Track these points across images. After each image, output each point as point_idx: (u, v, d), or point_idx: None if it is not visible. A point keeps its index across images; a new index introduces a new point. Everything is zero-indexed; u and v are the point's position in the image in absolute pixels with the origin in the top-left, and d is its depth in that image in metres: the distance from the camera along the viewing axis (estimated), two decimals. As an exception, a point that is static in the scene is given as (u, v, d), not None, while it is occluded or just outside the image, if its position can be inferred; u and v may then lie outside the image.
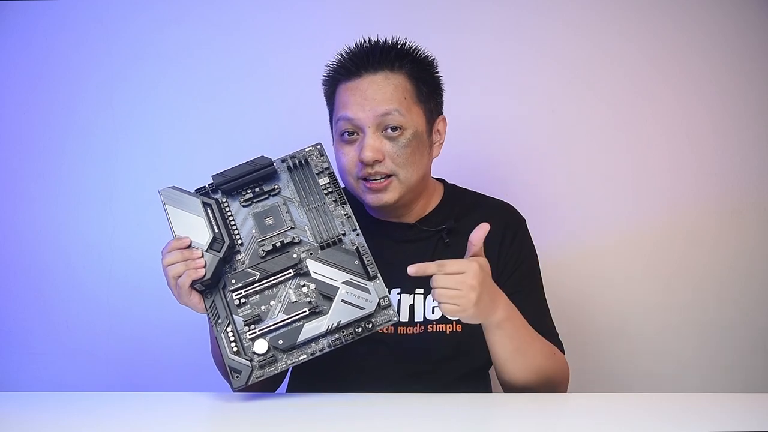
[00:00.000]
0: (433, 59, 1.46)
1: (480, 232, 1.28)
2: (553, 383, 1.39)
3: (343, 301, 1.25)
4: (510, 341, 1.32)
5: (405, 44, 1.44)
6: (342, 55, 1.44)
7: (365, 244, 1.29)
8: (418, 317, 1.42)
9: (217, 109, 1.93)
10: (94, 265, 1.94)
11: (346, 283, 1.26)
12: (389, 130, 1.39)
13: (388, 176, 1.39)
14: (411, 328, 1.42)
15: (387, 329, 1.41)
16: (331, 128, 1.47)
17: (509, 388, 1.37)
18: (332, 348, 1.25)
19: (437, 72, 1.47)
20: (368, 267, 1.27)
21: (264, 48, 1.92)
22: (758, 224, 1.84)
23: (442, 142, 1.48)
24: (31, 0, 1.95)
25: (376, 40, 1.43)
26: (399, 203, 1.42)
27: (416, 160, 1.41)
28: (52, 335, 1.95)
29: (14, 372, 1.95)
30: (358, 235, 1.30)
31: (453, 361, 1.42)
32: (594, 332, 1.86)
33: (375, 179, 1.39)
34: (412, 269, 1.23)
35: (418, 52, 1.44)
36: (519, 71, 1.88)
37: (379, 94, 1.39)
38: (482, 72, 1.88)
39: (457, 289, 1.23)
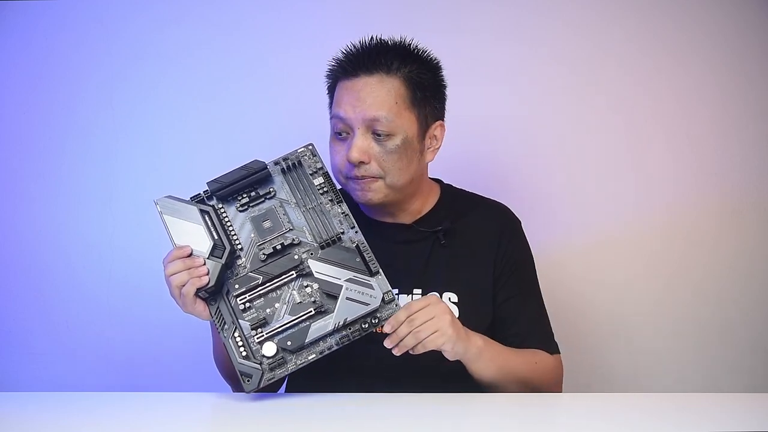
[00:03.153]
0: (437, 62, 1.46)
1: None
2: (541, 389, 1.42)
3: (347, 298, 1.26)
4: (492, 363, 1.35)
5: (409, 45, 1.43)
6: (343, 52, 1.44)
7: (365, 241, 1.30)
8: (416, 316, 1.43)
9: (217, 109, 1.93)
10: (94, 265, 1.94)
11: (349, 280, 1.27)
12: (377, 134, 1.39)
13: (373, 177, 1.39)
14: (409, 327, 1.42)
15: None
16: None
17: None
18: (340, 345, 1.26)
19: (440, 76, 1.46)
20: (369, 263, 1.28)
21: (264, 48, 1.92)
22: (758, 224, 1.84)
23: (438, 148, 1.47)
24: (31, 0, 1.95)
25: (378, 39, 1.43)
26: (386, 203, 1.43)
27: (403, 165, 1.40)
28: (52, 335, 1.95)
29: (14, 372, 1.95)
30: (356, 232, 1.31)
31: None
32: (594, 332, 1.86)
33: (361, 178, 1.39)
34: (387, 328, 1.26)
35: (421, 54, 1.44)
36: (519, 71, 1.88)
37: (370, 98, 1.38)
38: (482, 72, 1.88)
39: (430, 318, 1.27)
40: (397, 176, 1.40)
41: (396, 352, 1.28)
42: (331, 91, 1.46)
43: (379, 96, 1.38)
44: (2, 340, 1.95)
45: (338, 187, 1.41)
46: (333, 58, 1.46)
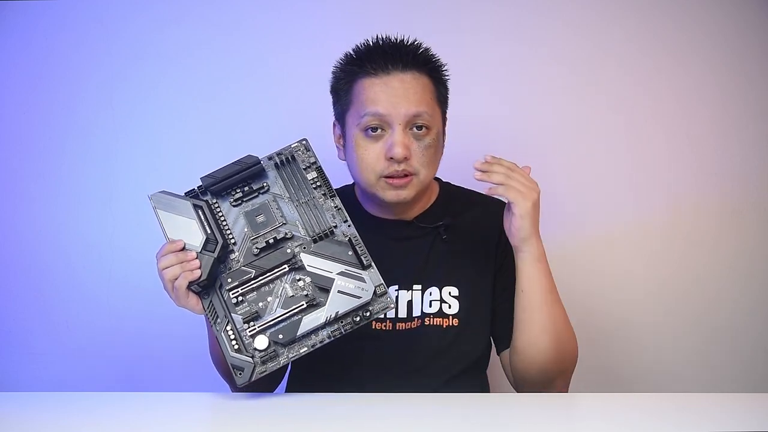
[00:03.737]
0: (445, 64, 1.48)
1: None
2: (568, 358, 1.40)
3: (339, 291, 1.26)
4: (546, 279, 1.37)
5: (424, 46, 1.45)
6: (364, 49, 1.44)
7: (357, 235, 1.30)
8: (416, 312, 1.44)
9: (217, 109, 1.93)
10: (94, 265, 1.94)
11: (341, 274, 1.27)
12: (416, 129, 1.40)
13: (409, 174, 1.40)
14: (409, 323, 1.43)
15: (385, 325, 1.43)
16: (340, 122, 1.47)
17: (526, 359, 1.38)
18: (332, 338, 1.26)
19: (448, 77, 1.48)
20: (362, 257, 1.28)
21: (264, 48, 1.92)
22: (758, 224, 1.84)
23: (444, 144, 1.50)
24: (31, 0, 1.95)
25: (398, 39, 1.44)
26: (413, 200, 1.44)
27: (435, 160, 1.44)
28: (52, 335, 1.95)
29: (14, 372, 1.95)
30: (349, 226, 1.31)
31: (450, 354, 1.43)
32: (594, 332, 1.86)
33: (397, 177, 1.40)
34: (489, 156, 1.35)
35: (435, 56, 1.46)
36: (519, 71, 1.88)
37: (411, 93, 1.40)
38: (482, 71, 1.88)
39: (527, 183, 1.33)
40: (429, 172, 1.43)
41: (477, 175, 1.34)
42: (347, 91, 1.44)
43: (418, 92, 1.41)
44: (2, 340, 1.95)
45: (336, 185, 1.41)
46: (345, 57, 1.46)
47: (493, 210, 1.53)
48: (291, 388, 1.52)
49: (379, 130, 1.40)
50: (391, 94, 1.40)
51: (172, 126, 1.94)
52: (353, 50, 1.45)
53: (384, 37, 1.44)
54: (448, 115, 1.51)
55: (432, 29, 1.80)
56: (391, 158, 1.38)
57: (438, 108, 1.45)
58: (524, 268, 1.37)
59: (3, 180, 1.96)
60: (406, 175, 1.40)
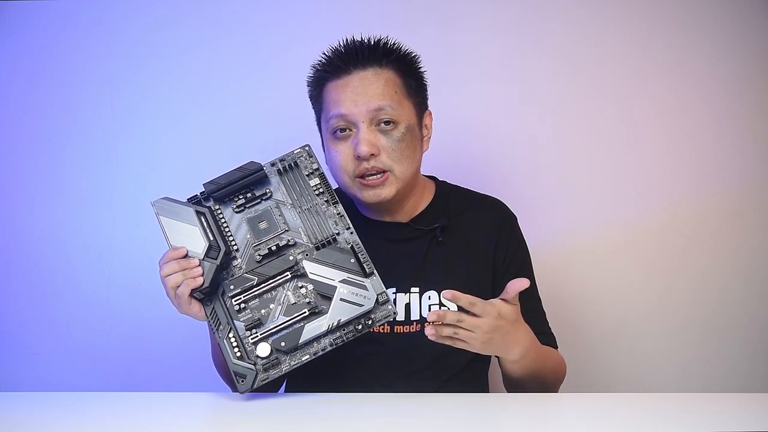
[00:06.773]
0: (416, 55, 1.47)
1: (518, 285, 1.26)
2: (552, 388, 1.45)
3: (341, 299, 1.26)
4: (522, 372, 1.36)
5: (388, 41, 1.44)
6: (327, 54, 1.44)
7: (360, 242, 1.30)
8: (414, 316, 1.43)
9: (218, 110, 1.93)
10: (94, 265, 1.94)
11: (343, 281, 1.27)
12: (383, 124, 1.39)
13: (384, 172, 1.40)
14: (407, 326, 1.43)
15: (383, 329, 1.42)
16: (319, 128, 1.48)
17: (512, 389, 1.42)
18: (334, 346, 1.26)
19: (421, 68, 1.48)
20: (364, 264, 1.28)
21: (264, 48, 1.92)
22: (758, 224, 1.84)
23: (430, 137, 1.49)
24: (31, 0, 1.95)
25: (360, 38, 1.44)
26: (395, 198, 1.43)
27: (410, 154, 1.42)
28: (52, 335, 1.95)
29: (14, 372, 1.95)
30: (351, 233, 1.31)
31: (449, 358, 1.43)
32: (593, 332, 1.86)
33: (371, 175, 1.39)
34: (448, 294, 1.22)
35: (401, 48, 1.45)
36: (519, 70, 1.88)
37: (370, 89, 1.40)
38: (482, 70, 1.88)
39: (470, 331, 1.23)
40: (406, 166, 1.41)
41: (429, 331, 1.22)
42: (317, 97, 1.46)
43: (379, 87, 1.40)
44: (2, 340, 1.95)
45: (334, 187, 1.41)
46: (313, 65, 1.46)
47: (490, 209, 1.52)
48: (291, 390, 1.51)
49: (347, 131, 1.40)
50: (352, 93, 1.40)
51: (172, 126, 1.94)
52: (320, 57, 1.45)
53: (350, 39, 1.44)
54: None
55: (432, 28, 1.82)
56: (358, 157, 1.38)
57: (407, 100, 1.43)
58: (501, 363, 1.37)
59: (3, 180, 1.96)
60: (382, 173, 1.39)
